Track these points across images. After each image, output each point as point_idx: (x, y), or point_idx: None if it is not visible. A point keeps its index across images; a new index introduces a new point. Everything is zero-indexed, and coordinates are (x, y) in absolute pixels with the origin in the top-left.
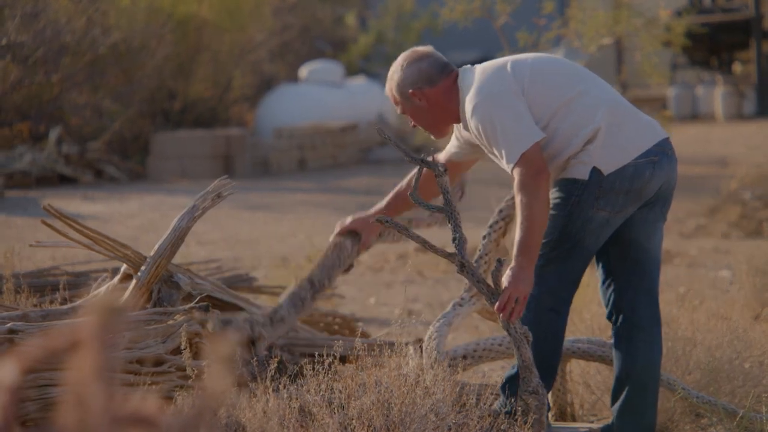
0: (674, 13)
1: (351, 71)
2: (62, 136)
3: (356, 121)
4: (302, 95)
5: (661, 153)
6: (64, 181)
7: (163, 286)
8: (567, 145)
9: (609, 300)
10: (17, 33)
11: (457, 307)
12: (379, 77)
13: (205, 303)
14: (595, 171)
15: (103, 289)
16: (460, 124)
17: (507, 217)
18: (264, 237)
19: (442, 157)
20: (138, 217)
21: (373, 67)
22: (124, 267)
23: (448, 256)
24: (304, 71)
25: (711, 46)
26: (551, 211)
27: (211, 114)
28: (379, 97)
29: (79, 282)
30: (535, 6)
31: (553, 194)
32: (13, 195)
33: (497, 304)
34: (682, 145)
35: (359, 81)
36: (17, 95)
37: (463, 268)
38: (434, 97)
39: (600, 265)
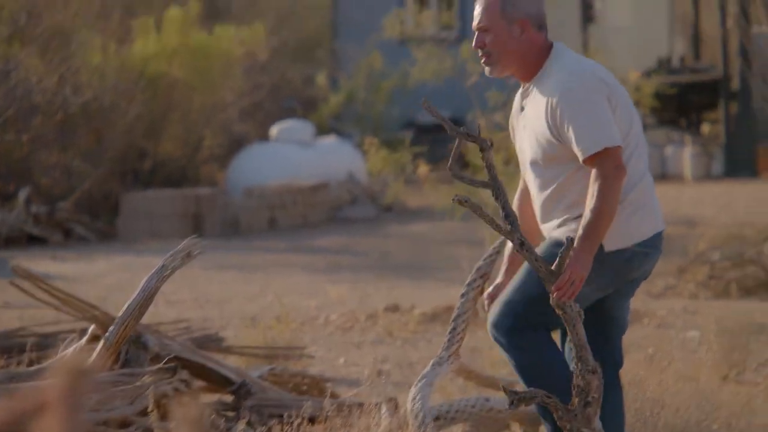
0: (643, 74)
1: (322, 130)
2: (31, 196)
3: (327, 180)
4: (273, 154)
5: (654, 247)
6: (33, 241)
7: (132, 346)
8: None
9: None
10: None
11: (436, 367)
12: (350, 136)
13: (173, 364)
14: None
15: (70, 350)
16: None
17: (485, 275)
18: (233, 297)
19: (520, 185)
20: (107, 277)
21: (343, 126)
22: (92, 327)
23: (509, 233)
24: (274, 130)
25: (679, 106)
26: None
27: (181, 173)
28: (349, 155)
29: (47, 343)
30: None
31: (554, 241)
32: None
33: (557, 282)
34: None
35: (330, 140)
36: None
37: (523, 245)
38: (532, 41)
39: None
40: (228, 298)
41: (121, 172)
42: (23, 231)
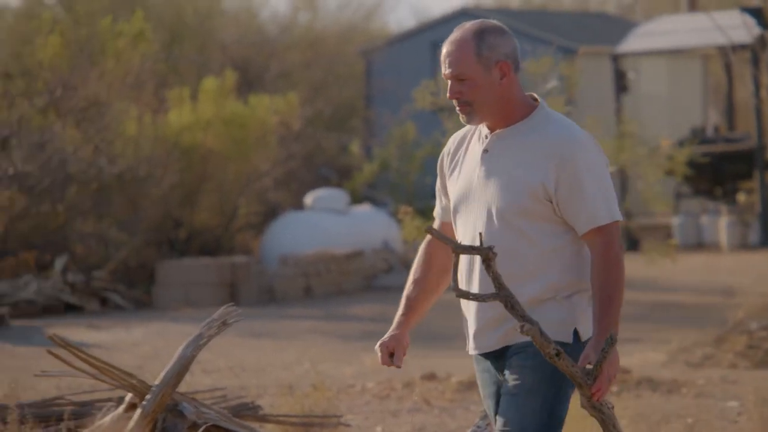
0: (676, 143)
1: (356, 199)
2: (68, 265)
3: (361, 248)
4: (307, 223)
5: None
6: (69, 309)
7: (168, 415)
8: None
9: None
10: (24, 163)
11: None
12: (385, 205)
13: None
14: (576, 334)
15: (107, 418)
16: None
17: None
18: (269, 365)
19: (435, 222)
20: (143, 345)
21: (377, 194)
22: (129, 396)
23: (547, 342)
24: (309, 199)
25: (714, 175)
26: (534, 378)
27: (216, 242)
28: (384, 224)
29: (83, 412)
30: None
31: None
32: (18, 324)
33: (597, 384)
34: (687, 274)
35: (364, 208)
36: (23, 224)
37: (559, 355)
38: (513, 85)
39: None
40: (264, 366)
41: (157, 241)
42: (60, 300)
